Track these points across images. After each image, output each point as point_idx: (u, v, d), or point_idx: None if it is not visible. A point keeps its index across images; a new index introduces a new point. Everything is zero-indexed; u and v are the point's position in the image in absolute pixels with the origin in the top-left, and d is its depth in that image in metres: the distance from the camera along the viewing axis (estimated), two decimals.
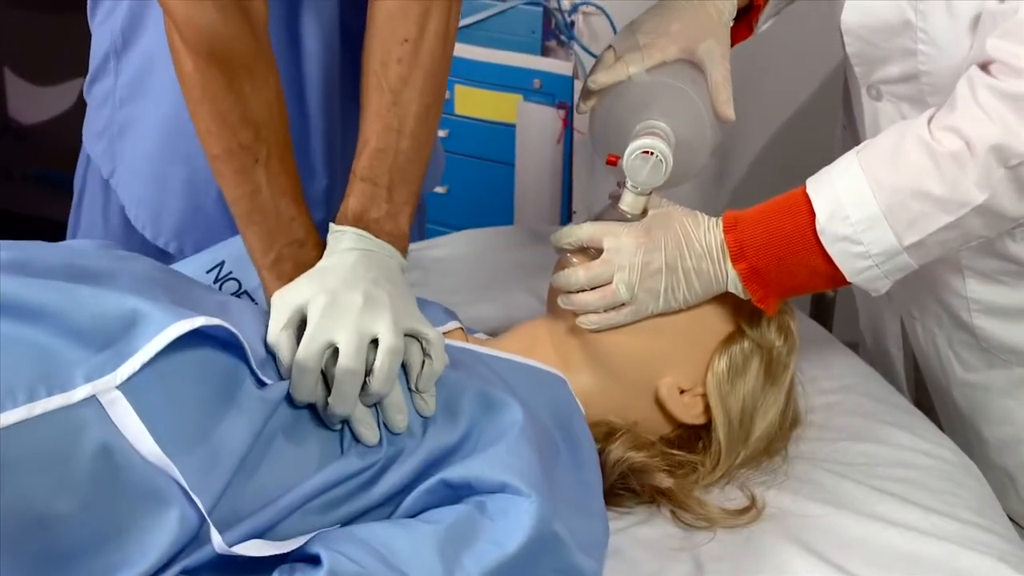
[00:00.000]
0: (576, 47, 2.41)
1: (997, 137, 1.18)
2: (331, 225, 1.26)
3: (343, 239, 1.23)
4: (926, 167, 1.21)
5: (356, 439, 1.14)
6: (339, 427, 1.14)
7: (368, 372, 1.13)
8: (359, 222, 1.25)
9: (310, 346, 1.12)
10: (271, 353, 1.14)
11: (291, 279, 1.21)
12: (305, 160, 1.48)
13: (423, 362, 1.17)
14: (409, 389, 1.17)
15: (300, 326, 1.15)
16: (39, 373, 1.00)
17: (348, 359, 1.11)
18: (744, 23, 1.46)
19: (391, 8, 1.29)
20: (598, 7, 2.39)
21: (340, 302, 1.14)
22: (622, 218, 1.31)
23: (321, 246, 1.27)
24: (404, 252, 1.27)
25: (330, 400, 1.12)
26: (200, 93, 1.24)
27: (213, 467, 1.04)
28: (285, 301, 1.16)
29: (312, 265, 1.23)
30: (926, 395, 1.65)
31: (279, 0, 1.42)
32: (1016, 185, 1.19)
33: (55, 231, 1.71)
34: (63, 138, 1.91)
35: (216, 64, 1.23)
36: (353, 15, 1.36)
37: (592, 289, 1.30)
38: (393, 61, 1.28)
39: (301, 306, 1.15)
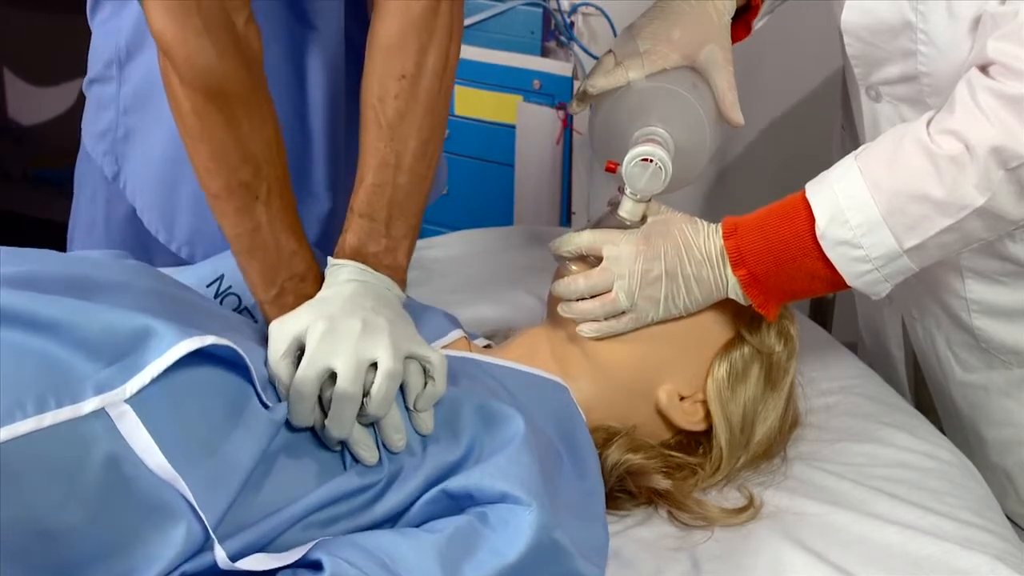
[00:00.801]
0: (576, 48, 2.41)
1: (997, 139, 1.18)
2: (329, 259, 1.26)
3: (342, 272, 1.24)
4: (925, 170, 1.21)
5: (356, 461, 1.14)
6: (338, 448, 1.15)
7: (365, 394, 1.13)
8: (357, 256, 1.25)
9: (307, 372, 1.12)
10: (271, 381, 1.15)
11: (289, 308, 1.21)
12: (307, 183, 1.48)
13: (424, 383, 1.18)
14: (407, 409, 1.17)
15: (299, 354, 1.15)
16: (49, 384, 1.00)
17: (345, 383, 1.12)
18: (742, 23, 1.46)
19: (389, 43, 1.29)
20: (598, 8, 2.39)
21: (338, 328, 1.14)
22: (621, 225, 1.31)
23: (321, 280, 1.27)
24: (403, 285, 1.28)
25: (327, 423, 1.13)
26: (199, 132, 1.24)
27: (220, 483, 1.04)
28: (284, 329, 1.16)
29: (310, 294, 1.24)
30: (926, 395, 1.65)
31: (282, 20, 1.42)
32: (1016, 187, 1.19)
33: (55, 232, 1.71)
34: (63, 139, 1.91)
35: (215, 103, 1.23)
36: (360, 32, 1.36)
37: (592, 297, 1.30)
38: (390, 97, 1.28)
39: (299, 334, 1.15)
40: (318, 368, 1.12)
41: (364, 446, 1.14)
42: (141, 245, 1.59)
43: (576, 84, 2.41)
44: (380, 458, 1.15)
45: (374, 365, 1.14)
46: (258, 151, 1.26)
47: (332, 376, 1.13)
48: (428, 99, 1.30)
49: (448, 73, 1.32)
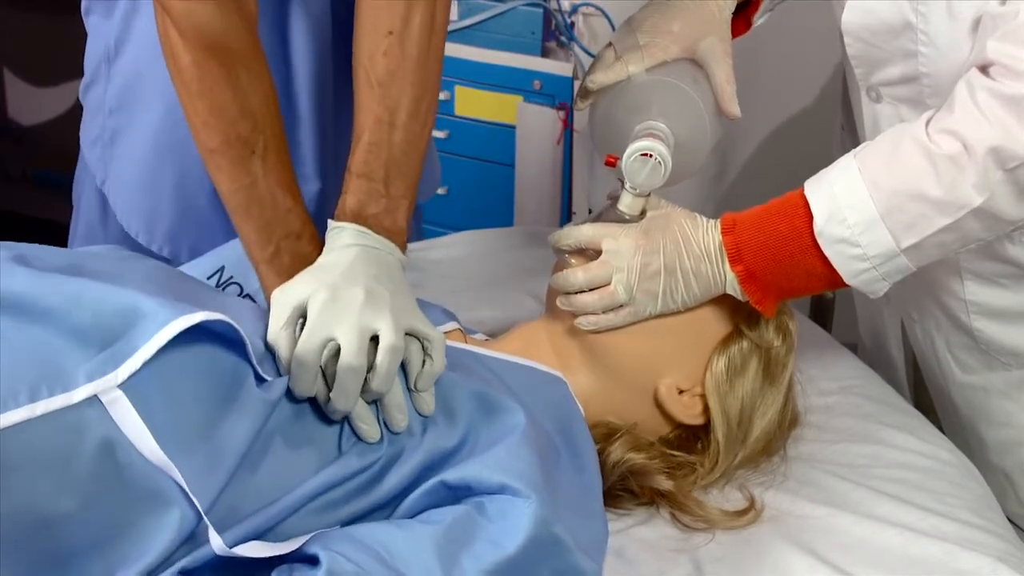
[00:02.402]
0: (576, 48, 2.41)
1: (995, 139, 1.18)
2: (329, 222, 1.25)
3: (342, 235, 1.23)
4: (924, 169, 1.21)
5: (357, 438, 1.14)
6: (340, 421, 1.14)
7: (369, 369, 1.13)
8: (358, 218, 1.25)
9: (310, 341, 1.12)
10: (270, 350, 1.14)
11: (289, 272, 1.21)
12: (295, 162, 1.48)
13: (423, 361, 1.17)
14: (408, 389, 1.17)
15: (300, 323, 1.15)
16: (41, 373, 1.00)
17: (350, 355, 1.11)
18: (742, 18, 1.46)
19: (375, 2, 1.29)
20: (598, 8, 2.39)
21: (341, 298, 1.14)
22: (620, 219, 1.31)
23: (317, 239, 1.28)
24: (403, 248, 1.27)
25: (332, 396, 1.12)
26: (198, 86, 1.25)
27: (213, 468, 1.04)
28: (285, 298, 1.16)
29: (309, 258, 1.23)
30: (926, 396, 1.65)
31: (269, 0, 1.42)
32: (1014, 188, 1.19)
33: (55, 232, 1.71)
34: (62, 139, 1.91)
35: (214, 57, 1.24)
36: (347, 9, 1.36)
37: (591, 290, 1.30)
38: (379, 54, 1.28)
39: (301, 303, 1.15)
40: (320, 338, 1.12)
41: (367, 421, 1.13)
42: (138, 251, 1.59)
43: (576, 84, 2.41)
44: (381, 436, 1.14)
45: (375, 339, 1.13)
46: (256, 106, 1.27)
47: (334, 348, 1.12)
48: (418, 54, 1.29)
49: (437, 31, 1.32)
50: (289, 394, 1.12)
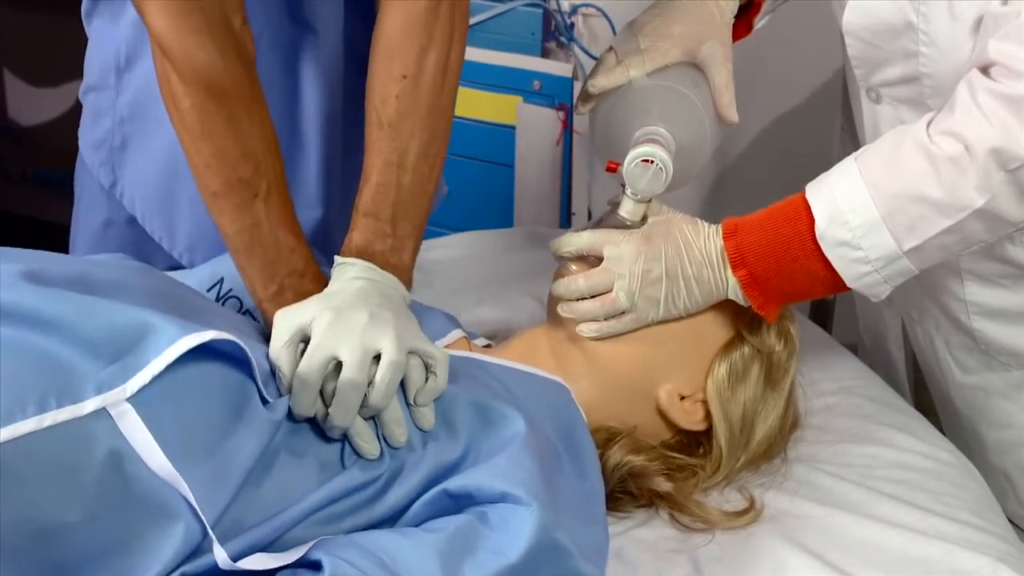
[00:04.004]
0: (576, 49, 2.41)
1: (997, 140, 1.18)
2: (336, 258, 1.27)
3: (349, 270, 1.25)
4: (925, 171, 1.21)
5: (357, 454, 1.14)
6: (339, 439, 1.14)
7: (368, 384, 1.14)
8: (363, 255, 1.26)
9: (312, 359, 1.13)
10: (272, 370, 1.14)
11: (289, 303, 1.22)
12: (299, 189, 1.48)
13: (426, 379, 1.18)
14: (408, 404, 1.18)
15: (303, 345, 1.15)
16: (50, 384, 1.01)
17: (351, 370, 1.12)
18: (743, 21, 1.46)
19: (391, 44, 1.30)
20: (598, 9, 2.39)
21: (345, 319, 1.15)
22: (622, 225, 1.31)
23: (320, 278, 1.29)
24: (408, 286, 1.28)
25: (331, 411, 1.13)
26: (199, 130, 1.25)
27: (220, 482, 1.04)
28: (288, 319, 1.17)
29: (310, 291, 1.25)
30: (927, 397, 1.65)
31: (280, 24, 1.42)
32: (1016, 189, 1.19)
33: (55, 232, 1.71)
34: (63, 139, 1.91)
35: (214, 100, 1.24)
36: (364, 37, 1.36)
37: (592, 297, 1.30)
38: (392, 97, 1.29)
39: (304, 324, 1.16)
40: (324, 356, 1.13)
41: (366, 438, 1.14)
42: (140, 251, 1.59)
43: (576, 85, 2.41)
44: (381, 452, 1.14)
45: (377, 358, 1.14)
46: (257, 149, 1.27)
47: (335, 367, 1.13)
48: (430, 100, 1.31)
49: (450, 75, 1.34)
50: (291, 413, 1.13)
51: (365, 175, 1.30)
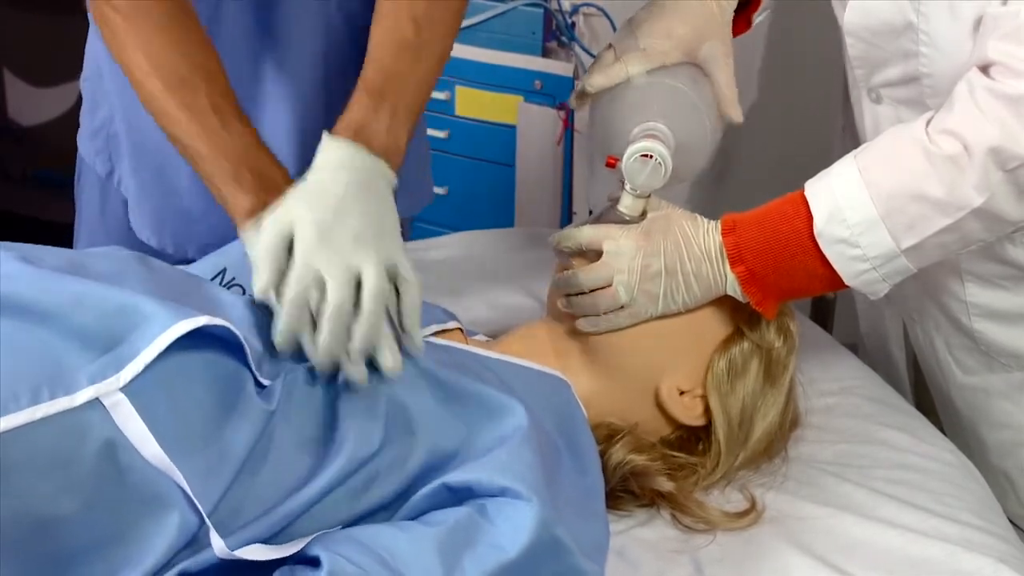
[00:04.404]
0: (577, 48, 2.41)
1: (995, 139, 1.18)
2: (325, 133, 1.24)
3: (336, 153, 1.22)
4: (924, 170, 1.21)
5: (352, 438, 1.13)
6: (336, 424, 1.13)
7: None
8: (358, 134, 1.24)
9: (297, 279, 1.13)
10: (267, 349, 1.14)
11: (255, 190, 1.23)
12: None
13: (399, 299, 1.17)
14: (396, 328, 1.16)
15: (288, 251, 1.16)
16: (43, 375, 1.00)
17: (338, 295, 1.12)
18: (743, 17, 1.46)
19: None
20: (599, 8, 2.39)
21: (327, 234, 1.15)
22: (621, 220, 1.31)
23: (272, 157, 1.28)
24: (397, 168, 1.26)
25: (321, 338, 1.11)
26: (134, 39, 1.27)
27: (215, 471, 1.04)
28: (273, 227, 1.16)
29: (270, 173, 1.25)
30: (927, 397, 1.65)
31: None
32: (1014, 188, 1.19)
33: (55, 232, 1.71)
34: (63, 139, 1.90)
35: (144, 12, 1.27)
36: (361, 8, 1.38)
37: (591, 292, 1.30)
38: (417, 16, 1.32)
39: (287, 233, 1.15)
40: (308, 274, 1.12)
41: (357, 365, 1.13)
42: (140, 247, 1.59)
43: (577, 84, 2.41)
44: (379, 442, 1.14)
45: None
46: (193, 52, 1.28)
47: (319, 285, 1.13)
48: (451, 21, 1.36)
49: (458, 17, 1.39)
50: (286, 399, 1.12)
51: (373, 56, 1.30)
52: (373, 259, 1.14)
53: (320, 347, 1.12)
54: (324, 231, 1.15)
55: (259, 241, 1.16)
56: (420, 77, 1.31)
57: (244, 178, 1.25)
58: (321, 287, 1.13)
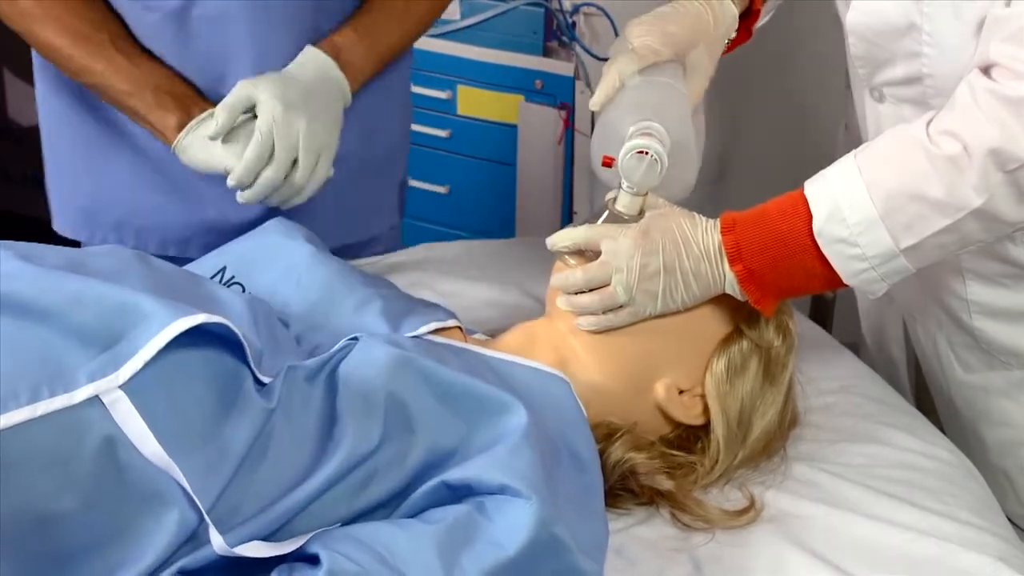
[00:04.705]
0: (577, 48, 2.41)
1: (995, 141, 1.18)
2: (308, 45, 1.52)
3: (315, 58, 1.52)
4: (924, 170, 1.21)
5: (350, 434, 1.13)
6: (334, 421, 1.14)
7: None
8: (336, 54, 1.52)
9: (261, 147, 1.42)
10: (267, 349, 1.15)
11: (176, 108, 1.47)
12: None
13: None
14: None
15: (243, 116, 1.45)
16: (42, 373, 1.01)
17: (277, 169, 1.44)
18: (743, 27, 1.47)
19: None
20: (599, 8, 2.39)
21: (288, 121, 1.43)
22: (619, 220, 1.31)
23: (182, 80, 1.51)
24: (355, 86, 1.55)
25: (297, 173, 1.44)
26: (43, 13, 1.48)
27: (214, 468, 1.04)
28: (246, 87, 1.44)
29: (183, 90, 1.50)
30: (927, 396, 1.65)
31: None
32: (1014, 190, 1.19)
33: (55, 233, 1.71)
34: None
35: None
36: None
37: (590, 291, 1.30)
38: None
39: (254, 96, 1.43)
40: (268, 144, 1.43)
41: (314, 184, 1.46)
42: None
43: (578, 84, 2.41)
44: (378, 439, 1.14)
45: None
46: (88, 13, 1.49)
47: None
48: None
49: None
50: (286, 397, 1.12)
51: (369, 5, 1.58)
52: (313, 148, 1.45)
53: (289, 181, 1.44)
54: (285, 112, 1.42)
55: (226, 98, 1.44)
56: (400, 34, 1.60)
57: (165, 101, 1.48)
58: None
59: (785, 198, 1.28)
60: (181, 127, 1.46)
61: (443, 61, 2.51)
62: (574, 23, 2.42)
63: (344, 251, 1.63)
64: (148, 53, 1.51)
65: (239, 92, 1.43)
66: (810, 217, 1.24)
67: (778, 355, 1.35)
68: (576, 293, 1.31)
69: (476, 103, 2.53)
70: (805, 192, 1.26)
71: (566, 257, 1.33)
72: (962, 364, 1.52)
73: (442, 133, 2.56)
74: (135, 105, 1.48)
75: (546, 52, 2.46)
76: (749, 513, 1.29)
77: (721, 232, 1.28)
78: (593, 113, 1.40)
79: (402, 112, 1.77)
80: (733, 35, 1.45)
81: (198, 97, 1.50)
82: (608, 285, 1.29)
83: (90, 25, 1.48)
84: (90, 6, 1.50)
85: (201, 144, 1.46)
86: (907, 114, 1.37)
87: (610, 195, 1.35)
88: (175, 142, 1.46)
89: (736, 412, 1.33)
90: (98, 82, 1.49)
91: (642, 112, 1.33)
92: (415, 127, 2.55)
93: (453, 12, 2.46)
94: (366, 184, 1.70)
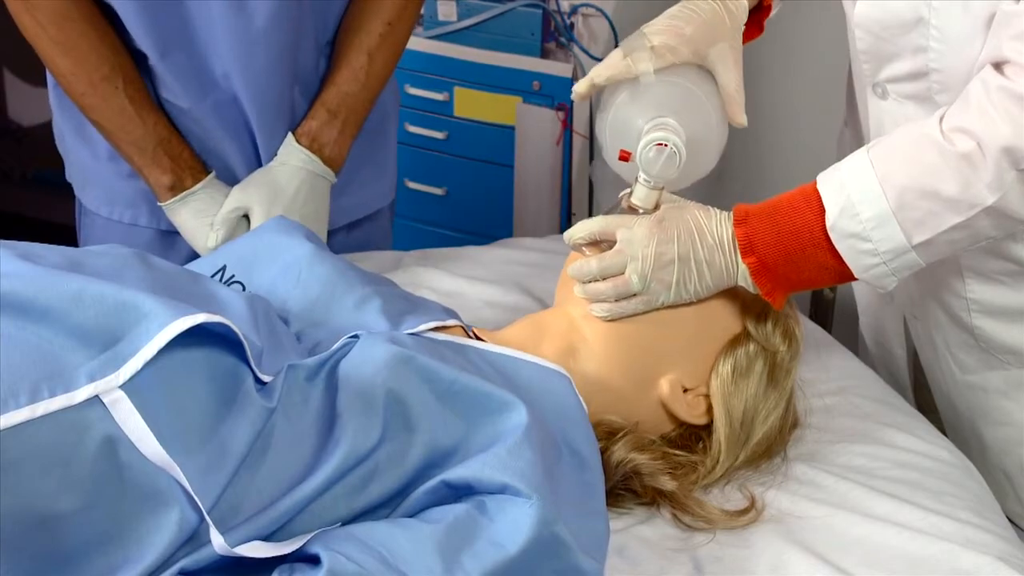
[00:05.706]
0: (575, 49, 2.41)
1: (1009, 139, 1.18)
2: (290, 135, 1.64)
3: (297, 155, 1.63)
4: (937, 167, 1.21)
5: (351, 434, 1.13)
6: (334, 421, 1.14)
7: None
8: (313, 142, 1.64)
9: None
10: (267, 348, 1.15)
11: (170, 168, 1.60)
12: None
13: None
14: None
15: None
16: (42, 373, 1.01)
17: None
18: (754, 23, 1.46)
19: None
20: (597, 9, 2.39)
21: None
22: (634, 213, 1.32)
23: (183, 140, 1.62)
24: (337, 170, 1.66)
25: None
26: (63, 41, 1.54)
27: (215, 467, 1.04)
28: (238, 198, 1.59)
29: (180, 153, 1.61)
30: (927, 396, 1.65)
31: None
32: None
33: (55, 233, 1.72)
34: None
35: (66, 20, 1.53)
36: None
37: (605, 279, 1.30)
38: (376, 35, 1.65)
39: (249, 206, 1.59)
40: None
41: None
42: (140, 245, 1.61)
43: (577, 83, 2.41)
44: (377, 437, 1.14)
45: None
46: (108, 53, 1.56)
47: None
48: (401, 44, 1.69)
49: (414, 20, 1.72)
50: (286, 396, 1.12)
51: (335, 80, 1.65)
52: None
53: None
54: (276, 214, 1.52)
55: (222, 208, 1.59)
56: (366, 97, 1.67)
57: (163, 161, 1.60)
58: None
59: (798, 192, 1.28)
60: (173, 188, 1.61)
61: (440, 63, 2.51)
62: (572, 24, 2.42)
63: (348, 242, 1.80)
64: (152, 103, 1.61)
65: (233, 204, 1.59)
66: (823, 211, 1.25)
67: (783, 361, 1.35)
68: (590, 281, 1.31)
69: (473, 105, 2.53)
70: (818, 186, 1.26)
71: (583, 248, 1.34)
72: (960, 364, 1.52)
73: (439, 135, 2.56)
74: (133, 155, 1.60)
75: (544, 53, 2.46)
76: (750, 513, 1.29)
77: (734, 224, 1.28)
78: (592, 113, 1.40)
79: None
80: (742, 27, 1.44)
81: (193, 161, 1.62)
82: (623, 273, 1.29)
83: (108, 66, 1.56)
84: (109, 43, 1.57)
85: (190, 214, 1.61)
86: (910, 111, 1.37)
87: (625, 192, 1.35)
88: (166, 202, 1.61)
89: (740, 414, 1.33)
90: (104, 125, 1.59)
91: (659, 109, 1.33)
92: (412, 129, 2.56)
93: (450, 13, 2.46)
94: (363, 149, 1.77)
